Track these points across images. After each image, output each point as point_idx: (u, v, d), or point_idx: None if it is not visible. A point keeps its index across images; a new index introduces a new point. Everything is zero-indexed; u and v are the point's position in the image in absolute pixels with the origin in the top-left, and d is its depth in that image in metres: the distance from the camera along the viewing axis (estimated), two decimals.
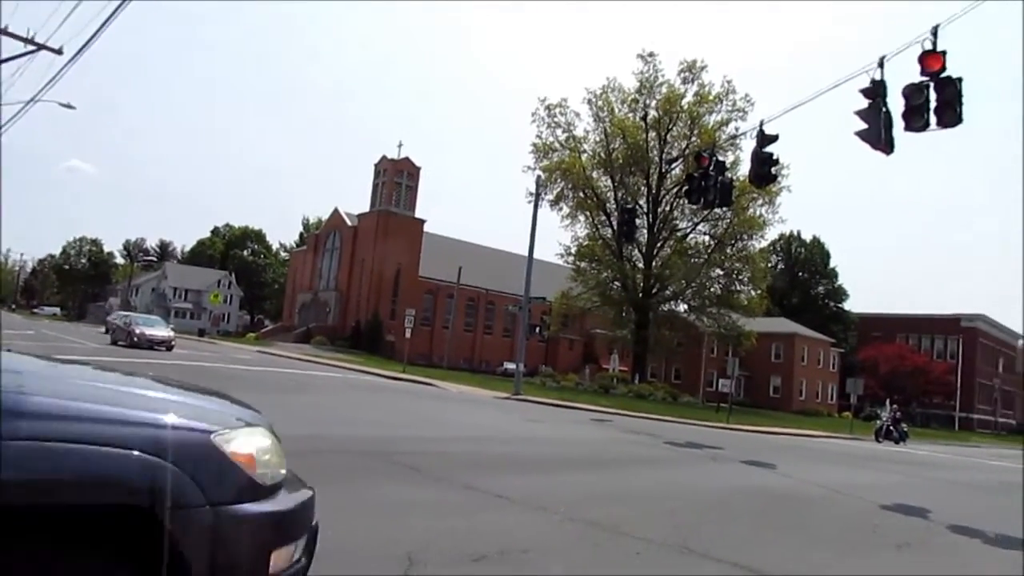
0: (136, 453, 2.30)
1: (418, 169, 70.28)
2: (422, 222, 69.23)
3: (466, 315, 70.53)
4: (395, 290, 66.38)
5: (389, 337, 61.26)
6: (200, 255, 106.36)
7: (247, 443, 2.63)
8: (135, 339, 28.49)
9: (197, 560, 2.32)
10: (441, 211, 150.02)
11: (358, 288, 67.17)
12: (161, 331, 29.98)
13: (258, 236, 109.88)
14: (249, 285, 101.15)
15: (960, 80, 9.96)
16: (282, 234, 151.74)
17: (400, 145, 71.73)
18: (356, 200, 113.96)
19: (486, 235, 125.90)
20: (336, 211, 74.79)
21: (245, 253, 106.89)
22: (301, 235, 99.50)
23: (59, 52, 17.93)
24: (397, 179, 68.73)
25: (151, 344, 28.24)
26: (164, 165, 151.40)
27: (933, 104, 10.17)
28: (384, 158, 69.53)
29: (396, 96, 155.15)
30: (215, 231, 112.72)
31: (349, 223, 71.08)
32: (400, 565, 4.80)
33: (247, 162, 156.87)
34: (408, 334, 37.04)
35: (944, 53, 9.95)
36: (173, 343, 29.72)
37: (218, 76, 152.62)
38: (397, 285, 66.54)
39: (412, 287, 66.09)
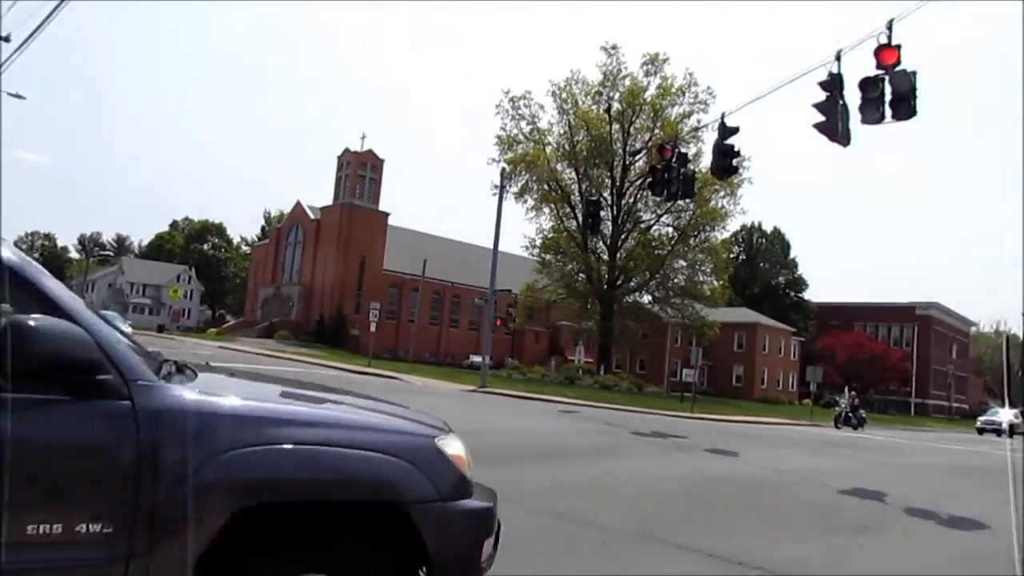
0: (385, 456, 2.72)
1: (382, 162, 69.67)
2: (386, 215, 68.70)
3: (432, 308, 70.24)
4: (359, 284, 65.80)
5: (354, 331, 60.76)
6: (159, 249, 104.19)
7: (457, 447, 3.01)
8: None
9: (433, 547, 2.73)
10: (406, 204, 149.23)
11: (322, 282, 66.46)
12: (118, 327, 29.29)
13: (219, 230, 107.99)
14: (210, 280, 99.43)
15: (914, 74, 10.16)
16: (243, 227, 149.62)
17: (363, 137, 70.88)
18: (319, 193, 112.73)
19: (451, 228, 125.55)
20: (298, 204, 73.84)
21: (205, 247, 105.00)
22: (263, 228, 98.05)
23: (7, 40, 17.40)
24: (360, 172, 68.04)
25: None
26: (120, 157, 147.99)
27: (888, 97, 10.35)
28: (347, 151, 68.77)
29: (359, 88, 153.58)
30: (174, 225, 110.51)
31: (312, 216, 70.22)
32: None
33: (207, 154, 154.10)
34: (373, 328, 36.78)
35: (899, 47, 10.13)
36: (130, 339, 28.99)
37: (177, 66, 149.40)
38: (361, 279, 65.96)
39: (377, 281, 65.59)
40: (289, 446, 2.56)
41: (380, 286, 64.89)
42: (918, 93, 10.15)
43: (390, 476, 2.70)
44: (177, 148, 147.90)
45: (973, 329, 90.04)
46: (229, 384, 3.04)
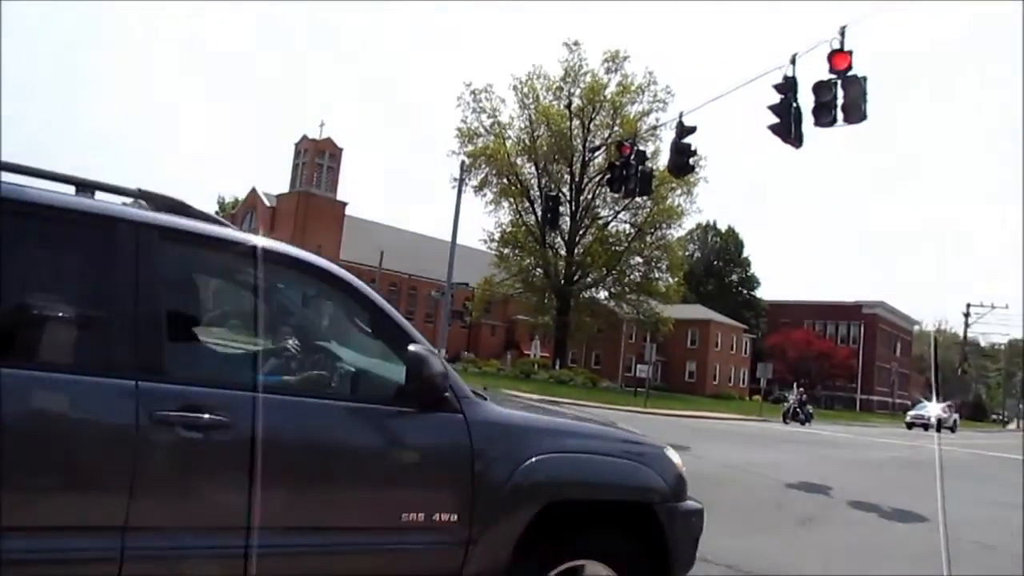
0: (635, 463, 3.34)
1: (340, 150, 68.79)
2: (344, 205, 67.90)
3: (388, 300, 68.91)
4: None
5: None
6: None
7: (676, 456, 3.55)
8: None
9: (672, 541, 3.29)
10: (364, 194, 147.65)
11: None
12: None
13: None
14: None
15: (865, 79, 10.44)
16: None
17: (322, 125, 69.82)
18: (275, 180, 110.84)
19: (409, 219, 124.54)
20: (253, 191, 72.49)
21: None
22: (216, 214, 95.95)
23: None
24: (318, 160, 67.07)
25: None
26: (60, 134, 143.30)
27: (840, 101, 10.62)
28: (305, 138, 67.71)
29: (318, 74, 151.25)
30: None
31: (267, 203, 69.02)
32: None
33: (157, 134, 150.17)
34: None
35: (851, 52, 10.41)
36: None
37: (127, 37, 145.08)
38: None
39: None
40: (570, 454, 3.15)
41: None
42: (868, 98, 10.44)
43: (644, 480, 3.31)
44: (125, 127, 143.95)
45: (916, 328, 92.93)
46: (508, 402, 3.59)
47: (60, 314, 2.48)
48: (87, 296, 2.55)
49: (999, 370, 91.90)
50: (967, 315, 55.33)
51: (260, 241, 3.04)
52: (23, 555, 2.19)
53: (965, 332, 54.98)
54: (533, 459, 2.99)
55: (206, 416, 2.44)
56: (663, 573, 3.30)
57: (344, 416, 2.81)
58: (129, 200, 2.88)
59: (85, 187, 2.70)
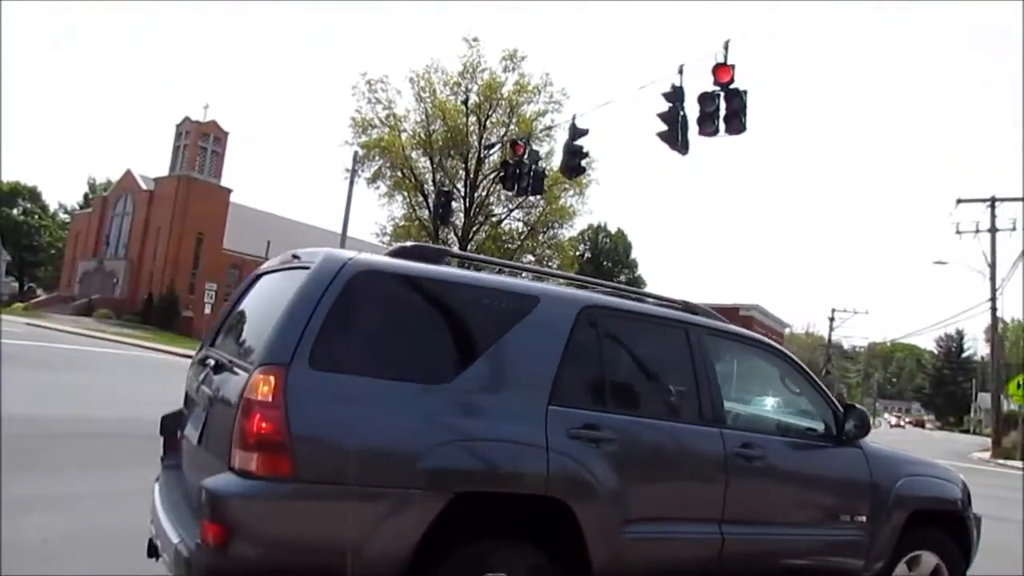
0: (951, 481, 4.71)
1: (226, 134, 65.75)
2: (228, 191, 64.96)
3: None
4: (195, 262, 61.88)
5: (187, 312, 57.08)
6: None
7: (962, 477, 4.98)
8: None
9: (970, 537, 4.65)
10: (251, 181, 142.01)
11: (152, 258, 61.83)
12: None
13: (32, 194, 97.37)
14: (18, 248, 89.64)
15: (745, 92, 10.93)
16: (62, 194, 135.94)
17: (207, 107, 66.25)
18: (153, 163, 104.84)
19: (298, 209, 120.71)
20: (129, 172, 68.17)
21: (15, 212, 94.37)
22: (86, 196, 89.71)
23: None
24: (202, 143, 63.85)
25: None
26: None
27: (723, 112, 11.06)
28: (187, 119, 64.28)
29: (204, 54, 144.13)
30: None
31: (144, 187, 65.07)
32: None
33: (18, 106, 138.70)
34: (208, 310, 34.76)
35: (733, 66, 10.86)
36: None
37: None
38: (198, 257, 62.07)
39: (215, 260, 61.91)
40: (919, 477, 4.50)
41: (219, 266, 61.30)
42: (747, 110, 10.91)
43: (954, 493, 4.63)
44: None
45: (787, 330, 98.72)
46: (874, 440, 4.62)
47: (670, 386, 3.87)
48: (679, 373, 3.81)
49: (859, 371, 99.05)
50: (832, 319, 59.43)
51: (738, 329, 4.36)
52: (659, 535, 3.43)
53: (829, 335, 59.00)
54: (902, 480, 4.35)
55: (756, 451, 3.75)
56: (966, 559, 4.57)
57: (802, 448, 4.18)
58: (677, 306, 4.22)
59: (662, 302, 4.22)
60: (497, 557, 2.96)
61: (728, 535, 3.61)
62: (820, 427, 4.27)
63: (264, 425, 2.62)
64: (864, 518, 4.14)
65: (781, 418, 4.54)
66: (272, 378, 2.66)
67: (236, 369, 3.03)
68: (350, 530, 2.70)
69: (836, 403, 4.31)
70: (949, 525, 4.55)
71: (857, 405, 4.43)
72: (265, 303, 3.50)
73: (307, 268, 3.08)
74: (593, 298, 3.68)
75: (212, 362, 3.40)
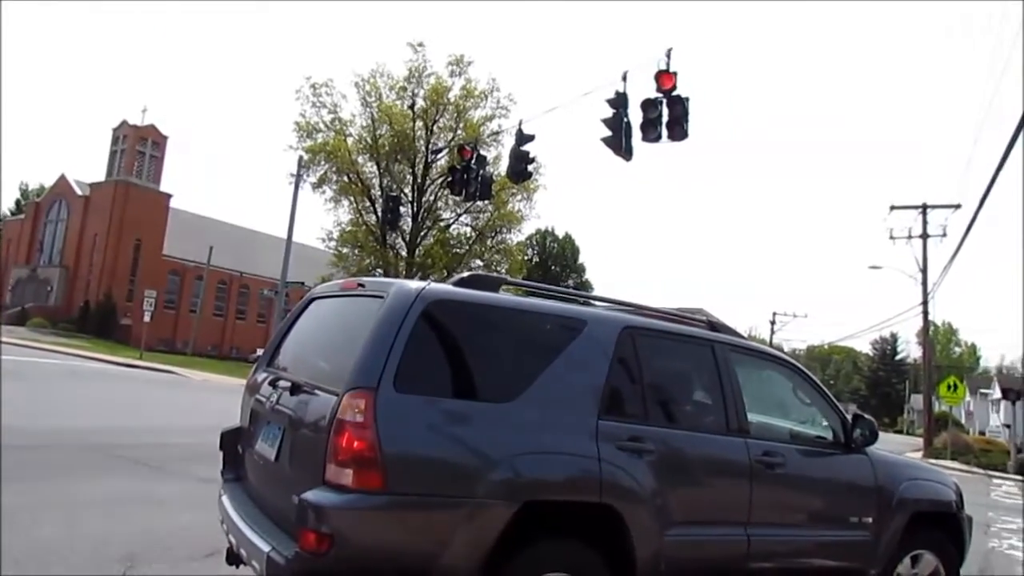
0: (947, 485, 5.05)
1: (165, 138, 64.15)
2: (168, 196, 63.34)
3: (216, 299, 65.86)
4: (134, 269, 60.12)
5: (125, 320, 55.41)
6: None
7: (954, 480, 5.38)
8: None
9: (964, 536, 5.02)
10: (192, 186, 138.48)
11: (88, 265, 59.87)
12: None
13: None
14: None
15: (687, 99, 11.16)
16: None
17: (144, 111, 64.44)
18: (88, 168, 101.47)
19: (242, 214, 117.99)
20: (63, 177, 65.88)
21: None
22: (18, 202, 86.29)
23: None
24: (140, 148, 62.16)
25: None
26: None
27: (665, 119, 11.28)
28: (125, 123, 62.52)
29: (140, 54, 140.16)
30: None
31: (79, 192, 62.99)
32: (121, 564, 4.40)
33: None
34: (148, 318, 33.77)
35: (675, 73, 11.09)
36: None
37: None
38: (136, 264, 60.32)
39: (154, 266, 60.26)
40: (918, 481, 4.83)
41: (158, 272, 59.71)
42: (689, 117, 11.16)
43: (950, 496, 4.96)
44: None
45: None
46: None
47: (700, 399, 4.15)
48: (708, 387, 4.12)
49: None
50: (773, 323, 60.86)
51: (756, 344, 4.84)
52: (694, 537, 3.70)
53: (771, 338, 60.34)
54: (904, 483, 4.65)
55: (776, 458, 4.06)
56: (960, 557, 4.92)
57: (815, 455, 4.48)
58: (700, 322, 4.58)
59: (686, 319, 4.51)
60: (557, 557, 3.27)
61: (753, 537, 3.92)
62: (829, 435, 4.57)
63: (357, 443, 2.90)
64: (871, 520, 4.45)
65: (795, 427, 4.76)
66: (362, 400, 2.94)
67: (318, 391, 3.31)
68: (433, 537, 3.01)
69: (844, 413, 4.64)
70: (946, 526, 4.90)
71: (865, 415, 4.71)
72: (333, 328, 3.89)
73: (377, 297, 3.38)
74: (631, 320, 3.97)
75: (287, 383, 3.61)
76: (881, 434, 4.83)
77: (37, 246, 64.98)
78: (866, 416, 4.70)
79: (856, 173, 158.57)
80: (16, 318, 54.64)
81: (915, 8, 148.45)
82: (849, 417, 4.65)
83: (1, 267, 68.52)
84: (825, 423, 4.65)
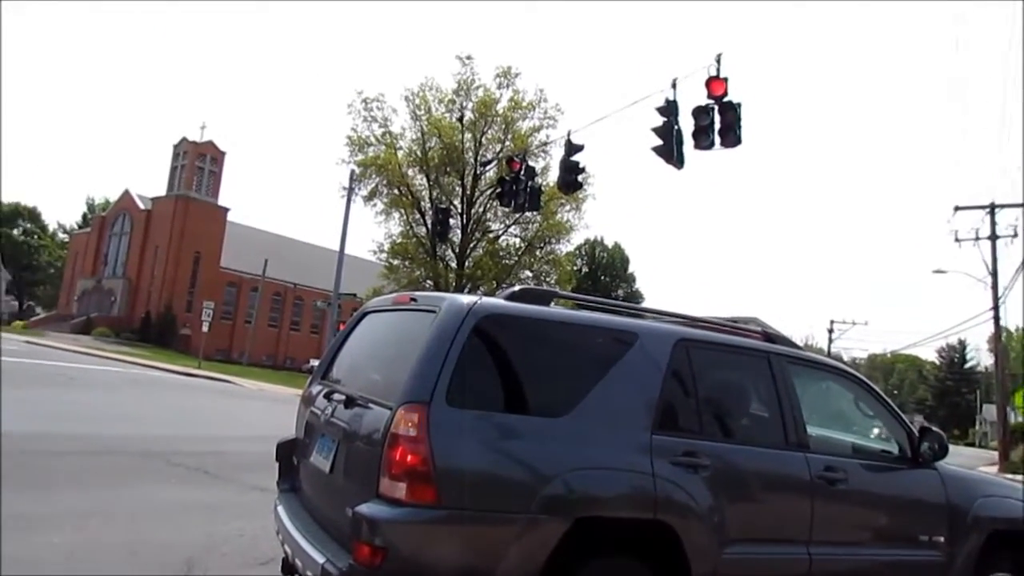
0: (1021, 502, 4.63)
1: (223, 154, 66.07)
2: (226, 210, 65.15)
3: (272, 310, 67.28)
4: (193, 281, 61.90)
5: (184, 330, 57.03)
6: None
7: None
8: None
9: None
10: (248, 200, 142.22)
11: (150, 277, 61.90)
12: None
13: (31, 214, 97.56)
14: (18, 268, 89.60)
15: (739, 105, 10.97)
16: (61, 214, 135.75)
17: (203, 127, 67.31)
18: (151, 183, 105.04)
19: (296, 227, 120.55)
20: (127, 192, 68.38)
21: (15, 232, 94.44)
22: (85, 216, 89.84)
23: None
24: (199, 163, 64.14)
25: None
26: None
27: (717, 126, 11.11)
28: (185, 140, 64.60)
29: (200, 74, 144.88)
30: None
31: (142, 206, 65.26)
32: (181, 569, 4.49)
33: (18, 128, 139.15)
34: (206, 328, 34.70)
35: (726, 79, 10.92)
36: None
37: None
38: (196, 276, 62.10)
39: (212, 278, 61.98)
40: (996, 498, 4.54)
41: (216, 284, 61.40)
42: (742, 122, 10.97)
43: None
44: None
45: None
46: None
47: (757, 412, 4.03)
48: (764, 400, 4.00)
49: None
50: (831, 331, 59.17)
51: (815, 355, 4.69)
52: (753, 556, 3.59)
53: (829, 347, 58.75)
54: (979, 500, 4.41)
55: (838, 474, 3.90)
56: None
57: (880, 470, 4.29)
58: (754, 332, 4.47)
59: (740, 330, 4.40)
60: (611, 575, 3.24)
61: (815, 556, 3.78)
62: (895, 449, 4.39)
63: (411, 457, 2.91)
64: (942, 539, 4.23)
65: (858, 441, 4.63)
66: (416, 415, 2.95)
67: (371, 405, 3.33)
68: (486, 553, 3.00)
69: (910, 425, 4.43)
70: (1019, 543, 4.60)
71: (934, 428, 4.49)
72: (386, 342, 3.94)
73: (430, 312, 3.37)
74: (685, 332, 3.88)
75: (341, 397, 3.65)
76: (951, 447, 4.59)
77: (102, 258, 67.44)
78: (934, 429, 4.49)
79: (919, 173, 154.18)
80: (82, 327, 56.78)
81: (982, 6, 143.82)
82: (916, 430, 4.44)
83: (69, 279, 71.32)
84: (890, 436, 4.46)
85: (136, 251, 63.75)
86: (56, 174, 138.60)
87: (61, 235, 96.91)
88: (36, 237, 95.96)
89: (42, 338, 42.13)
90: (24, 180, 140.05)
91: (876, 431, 4.57)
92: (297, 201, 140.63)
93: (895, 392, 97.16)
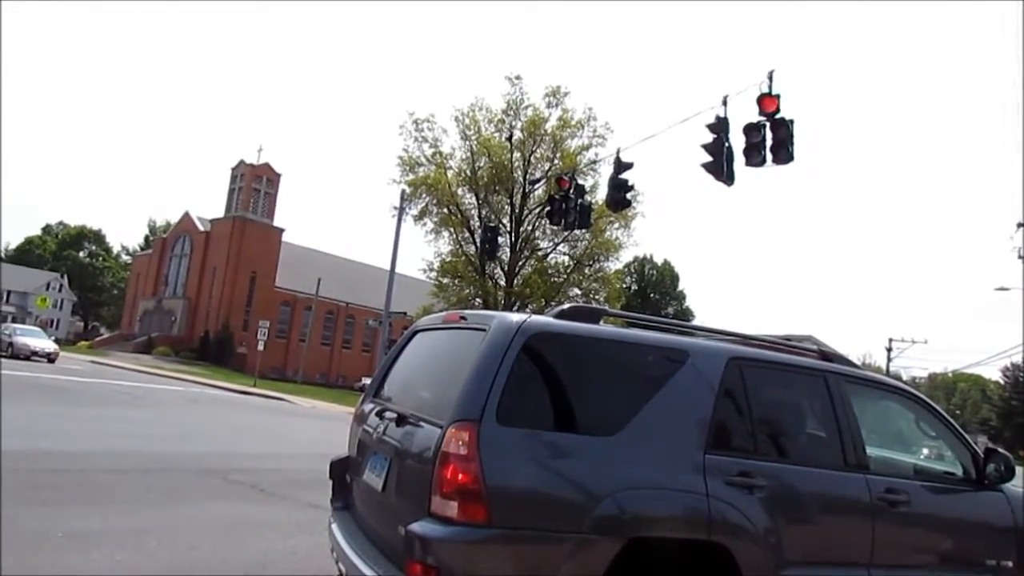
0: None
1: (278, 176, 67.82)
2: (281, 231, 66.78)
3: (324, 328, 68.47)
4: (249, 300, 63.44)
5: (241, 349, 58.40)
6: (27, 254, 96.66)
7: None
8: (12, 349, 26.96)
9: None
10: (302, 221, 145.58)
11: (208, 297, 63.65)
12: (41, 342, 28.51)
13: (96, 236, 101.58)
14: (83, 289, 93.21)
15: (792, 122, 10.80)
16: (125, 236, 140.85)
17: (260, 150, 68.77)
18: (209, 205, 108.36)
19: (348, 247, 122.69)
20: (187, 215, 70.67)
21: (81, 254, 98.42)
22: (146, 238, 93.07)
23: None
24: (256, 185, 65.94)
25: (30, 355, 26.92)
26: None
27: (769, 142, 10.95)
28: (242, 162, 66.54)
29: (257, 99, 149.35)
30: (47, 229, 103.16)
31: (201, 228, 67.34)
32: None
33: (85, 154, 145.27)
34: (261, 347, 35.46)
35: (778, 96, 10.78)
36: (55, 355, 28.22)
37: (53, 48, 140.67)
38: (252, 295, 63.64)
39: (268, 298, 63.44)
40: None
41: (271, 303, 62.80)
42: (795, 139, 10.79)
43: None
44: (51, 145, 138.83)
45: None
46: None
47: (814, 432, 3.95)
48: (822, 420, 3.92)
49: None
50: (889, 349, 57.36)
51: (874, 374, 4.54)
52: None
53: (888, 366, 56.98)
54: None
55: (900, 496, 3.81)
56: None
57: (944, 492, 4.18)
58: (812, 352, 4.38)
59: (795, 349, 4.35)
60: None
61: None
62: (959, 471, 4.29)
63: (462, 476, 2.92)
64: (1010, 563, 4.12)
65: (919, 462, 4.53)
66: (466, 434, 2.95)
67: (422, 423, 3.35)
68: (537, 572, 2.97)
69: (974, 446, 4.31)
70: None
71: (1000, 449, 4.37)
72: (436, 360, 3.94)
73: (479, 330, 3.40)
74: (738, 350, 3.82)
75: (393, 415, 3.69)
76: (1019, 469, 4.40)
77: (163, 279, 69.63)
78: (1000, 450, 4.33)
79: (980, 188, 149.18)
80: (143, 346, 58.62)
81: None
82: (981, 451, 4.28)
83: (131, 299, 73.78)
84: (953, 457, 4.33)
85: (195, 272, 65.65)
86: (120, 198, 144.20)
87: (124, 257, 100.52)
88: (100, 259, 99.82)
89: (106, 357, 43.69)
90: (89, 204, 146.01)
91: (939, 452, 4.46)
92: (349, 221, 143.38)
93: (957, 412, 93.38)
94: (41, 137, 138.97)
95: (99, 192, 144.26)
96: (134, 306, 72.04)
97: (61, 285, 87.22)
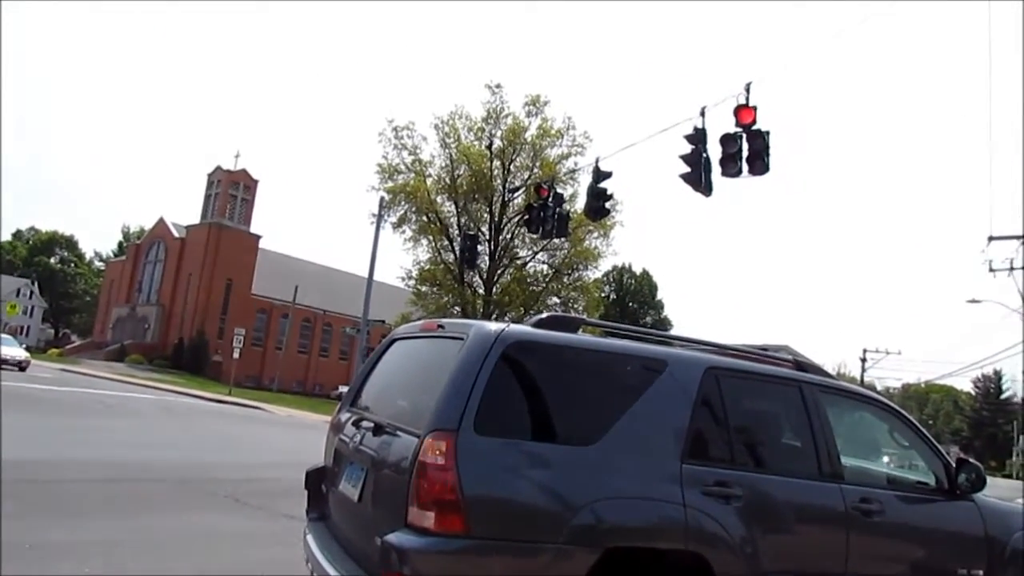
0: None
1: (255, 182, 67.27)
2: (257, 237, 66.19)
3: (301, 336, 67.90)
4: (225, 307, 62.77)
5: (216, 357, 57.72)
6: None
7: None
8: None
9: None
10: (279, 227, 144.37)
11: (183, 304, 62.89)
12: (12, 350, 27.95)
13: (68, 243, 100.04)
14: (55, 296, 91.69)
15: (768, 133, 10.93)
16: (98, 242, 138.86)
17: (237, 156, 68.04)
18: (185, 211, 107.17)
19: (325, 254, 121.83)
20: (161, 220, 69.81)
21: (52, 260, 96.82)
22: (120, 244, 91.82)
23: None
24: (232, 191, 65.36)
25: (0, 363, 26.23)
26: None
27: (745, 153, 11.07)
28: (219, 168, 65.95)
29: (234, 104, 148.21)
30: (16, 234, 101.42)
31: (176, 234, 66.58)
32: None
33: (56, 158, 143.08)
34: (237, 354, 35.09)
35: (755, 108, 10.90)
36: (26, 363, 27.77)
37: (26, 52, 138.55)
38: (227, 302, 62.98)
39: (244, 305, 62.81)
40: None
41: (247, 311, 62.20)
42: (770, 150, 10.92)
43: None
44: (20, 149, 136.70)
45: None
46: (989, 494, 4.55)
47: (790, 442, 3.99)
48: (797, 430, 3.96)
49: None
50: (864, 360, 58.08)
51: (848, 384, 4.59)
52: None
53: (862, 376, 57.64)
54: (1018, 533, 4.33)
55: (874, 505, 3.84)
56: None
57: (916, 502, 4.21)
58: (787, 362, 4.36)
59: (770, 359, 4.32)
60: None
61: None
62: (931, 481, 4.33)
63: (439, 486, 2.90)
64: (981, 572, 4.17)
65: (893, 472, 4.59)
66: (444, 443, 2.93)
67: (399, 432, 3.33)
68: None
69: (947, 456, 4.36)
70: None
71: (971, 459, 4.43)
72: (414, 369, 3.93)
73: (457, 339, 3.37)
74: (715, 360, 3.83)
75: (370, 424, 3.66)
76: (988, 479, 4.47)
77: (136, 286, 68.71)
78: (971, 460, 4.40)
79: (952, 200, 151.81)
80: (116, 354, 57.73)
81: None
82: (952, 461, 4.34)
83: (104, 306, 72.69)
84: (926, 467, 4.37)
85: (170, 278, 64.88)
86: (93, 203, 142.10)
87: (97, 263, 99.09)
88: (73, 265, 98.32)
89: (77, 365, 42.89)
90: (62, 209, 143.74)
91: (912, 462, 4.50)
92: (327, 228, 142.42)
93: (930, 422, 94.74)
94: (11, 140, 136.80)
95: (72, 197, 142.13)
96: (107, 313, 70.99)
97: (32, 292, 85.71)
